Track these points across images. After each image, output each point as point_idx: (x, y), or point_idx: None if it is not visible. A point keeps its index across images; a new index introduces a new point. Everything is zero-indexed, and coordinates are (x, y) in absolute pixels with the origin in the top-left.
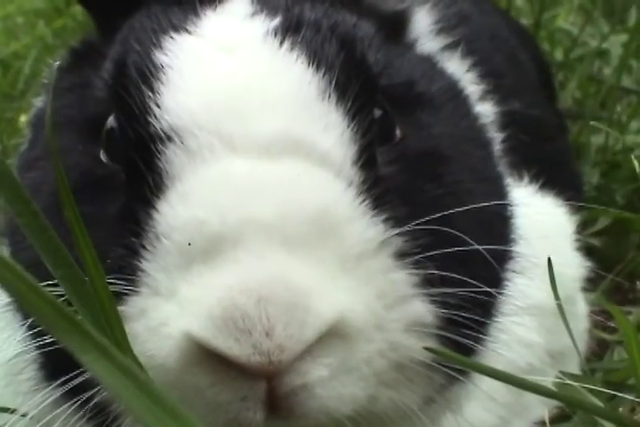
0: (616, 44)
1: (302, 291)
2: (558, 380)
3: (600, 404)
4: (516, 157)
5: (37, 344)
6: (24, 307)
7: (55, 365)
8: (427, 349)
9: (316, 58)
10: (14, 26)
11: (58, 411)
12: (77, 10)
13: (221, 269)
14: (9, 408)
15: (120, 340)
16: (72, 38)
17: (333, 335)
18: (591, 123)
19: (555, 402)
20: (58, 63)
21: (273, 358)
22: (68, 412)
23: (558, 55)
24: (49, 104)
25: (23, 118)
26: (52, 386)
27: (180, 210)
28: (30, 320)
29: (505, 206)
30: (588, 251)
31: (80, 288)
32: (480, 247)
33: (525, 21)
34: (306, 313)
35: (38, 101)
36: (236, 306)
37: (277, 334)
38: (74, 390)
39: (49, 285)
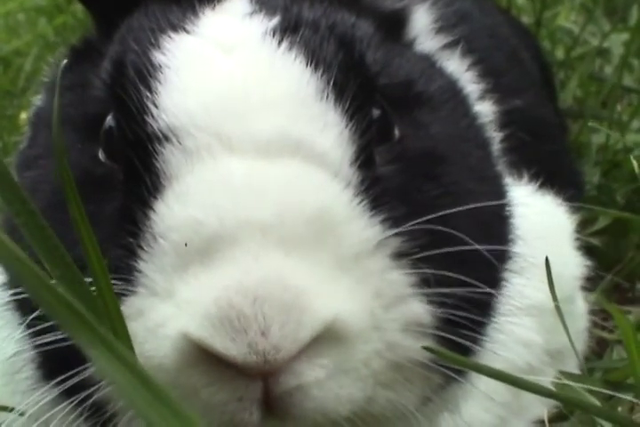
0: (617, 42)
1: (299, 291)
2: (557, 379)
3: (598, 403)
4: (515, 156)
5: (36, 343)
6: (35, 300)
7: (53, 364)
8: (425, 348)
9: (314, 57)
10: (15, 23)
11: (55, 410)
12: (78, 7)
13: (218, 270)
14: (7, 407)
15: (122, 339)
16: (73, 36)
17: (330, 337)
18: (591, 123)
19: (554, 402)
20: (64, 62)
21: (268, 357)
22: (66, 410)
23: (559, 54)
24: (56, 102)
25: (24, 116)
26: (50, 385)
27: (176, 210)
28: (29, 319)
29: (503, 206)
30: (587, 250)
31: (78, 288)
32: (478, 247)
33: (526, 20)
34: (302, 313)
35: (38, 100)
36: (232, 305)
37: (273, 333)
38: (71, 389)
39: None
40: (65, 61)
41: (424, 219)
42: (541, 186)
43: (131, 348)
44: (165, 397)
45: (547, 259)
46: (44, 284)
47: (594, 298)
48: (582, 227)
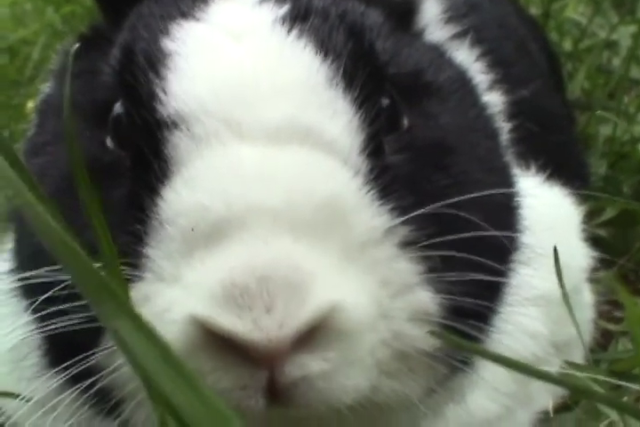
0: (625, 34)
1: (306, 273)
2: (563, 369)
3: (603, 391)
4: (523, 146)
5: (42, 330)
6: (63, 266)
7: (59, 350)
8: (431, 333)
9: (324, 46)
10: (23, 12)
11: (61, 396)
12: None
13: (225, 253)
14: (13, 393)
15: None
16: (81, 24)
17: (336, 329)
18: (599, 113)
19: (559, 392)
20: (75, 47)
21: (272, 334)
22: (72, 397)
23: (567, 46)
24: (67, 88)
25: (31, 104)
26: (56, 371)
27: (184, 196)
28: (36, 303)
29: (511, 196)
30: (594, 241)
31: (86, 273)
32: (487, 233)
33: (534, 11)
34: (307, 293)
35: (46, 87)
36: (237, 283)
37: (277, 310)
38: (77, 376)
39: (55, 270)
40: (75, 47)
41: (432, 207)
42: (549, 177)
43: None
44: (186, 371)
45: (555, 249)
46: (70, 251)
47: (601, 288)
48: (589, 218)
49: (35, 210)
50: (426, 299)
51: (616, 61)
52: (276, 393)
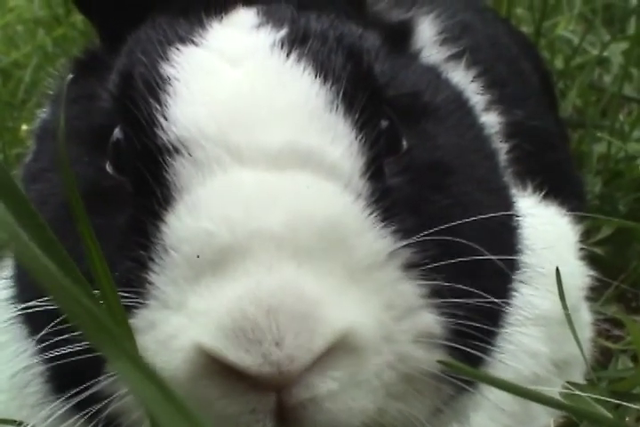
0: (616, 52)
1: (312, 301)
2: (564, 389)
3: (606, 413)
4: (519, 166)
5: (46, 357)
6: (63, 310)
7: (63, 378)
8: (440, 362)
9: (322, 69)
10: (14, 34)
11: (65, 424)
12: (77, 19)
13: (231, 281)
14: (15, 421)
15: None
16: (72, 47)
17: (343, 349)
18: (595, 133)
19: (561, 411)
20: (70, 76)
21: (282, 368)
22: (77, 425)
23: (559, 63)
24: (60, 116)
25: (24, 128)
26: (60, 399)
27: (188, 222)
28: (42, 333)
29: (512, 217)
30: (591, 260)
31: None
32: (489, 257)
33: (526, 30)
34: (316, 323)
35: (42, 113)
36: (246, 316)
37: (287, 343)
38: (82, 403)
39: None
40: (71, 75)
41: (434, 230)
42: (545, 196)
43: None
44: (187, 409)
45: (557, 269)
46: (71, 295)
47: (599, 307)
48: (586, 236)
49: (24, 247)
50: (430, 321)
51: (608, 79)
52: (285, 416)
